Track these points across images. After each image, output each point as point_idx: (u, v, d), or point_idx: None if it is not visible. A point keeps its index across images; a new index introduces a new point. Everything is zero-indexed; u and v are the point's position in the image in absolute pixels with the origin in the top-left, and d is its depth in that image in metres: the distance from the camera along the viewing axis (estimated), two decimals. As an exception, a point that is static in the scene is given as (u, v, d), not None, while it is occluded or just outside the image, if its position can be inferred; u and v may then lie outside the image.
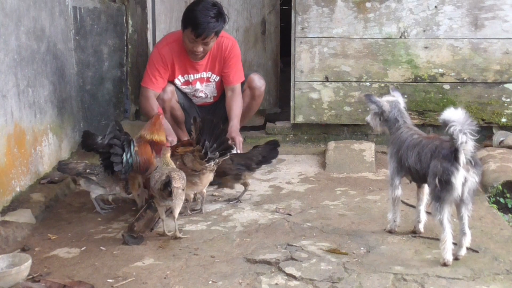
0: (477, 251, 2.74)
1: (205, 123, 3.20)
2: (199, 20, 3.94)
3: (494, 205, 3.59)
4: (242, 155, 3.70)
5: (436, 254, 2.75)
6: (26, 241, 3.06)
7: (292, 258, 2.74)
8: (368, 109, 3.08)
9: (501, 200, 3.73)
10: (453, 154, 2.55)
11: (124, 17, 4.89)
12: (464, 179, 2.56)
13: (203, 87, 4.40)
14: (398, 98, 2.98)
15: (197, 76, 4.33)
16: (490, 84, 4.81)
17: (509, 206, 3.77)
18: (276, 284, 2.51)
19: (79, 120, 4.77)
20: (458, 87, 4.84)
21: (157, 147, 3.47)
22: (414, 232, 3.00)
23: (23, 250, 2.93)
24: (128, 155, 3.29)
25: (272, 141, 3.69)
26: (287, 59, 5.18)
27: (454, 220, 2.70)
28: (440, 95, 4.85)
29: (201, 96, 4.47)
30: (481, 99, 4.81)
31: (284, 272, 2.61)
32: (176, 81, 4.32)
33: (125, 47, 4.92)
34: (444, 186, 2.57)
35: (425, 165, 2.69)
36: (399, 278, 2.53)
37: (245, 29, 5.63)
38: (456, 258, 2.64)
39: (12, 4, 3.53)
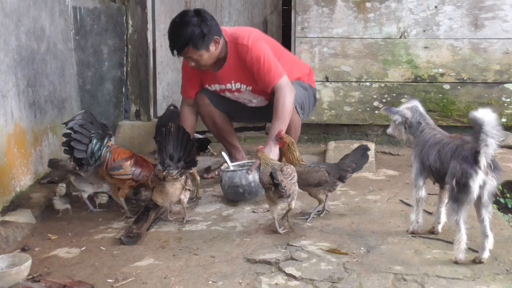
0: (477, 251, 2.73)
1: (175, 131, 3.05)
2: (169, 38, 3.67)
3: (494, 205, 3.59)
4: (335, 166, 3.32)
5: (436, 254, 2.75)
6: (26, 241, 3.05)
7: (292, 258, 2.73)
8: (389, 119, 3.06)
9: (501, 200, 3.73)
10: (473, 156, 2.53)
11: (124, 17, 4.89)
12: (483, 182, 2.55)
13: (239, 96, 4.00)
14: (415, 103, 2.99)
15: (223, 87, 3.94)
16: (490, 84, 4.81)
17: (509, 206, 3.77)
18: (276, 284, 2.51)
19: (79, 120, 4.76)
20: (458, 87, 4.84)
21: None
22: (432, 232, 3.00)
23: (23, 250, 2.93)
24: (96, 147, 3.26)
25: (361, 146, 3.36)
26: (287, 59, 5.17)
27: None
28: (440, 95, 4.85)
29: (244, 102, 4.08)
30: (481, 99, 4.81)
31: (284, 272, 2.60)
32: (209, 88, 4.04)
33: (125, 47, 4.92)
34: (461, 189, 2.56)
35: (445, 164, 2.68)
36: (399, 278, 2.52)
37: (245, 29, 5.62)
38: (480, 262, 2.63)
39: (12, 4, 3.53)
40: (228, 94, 4.01)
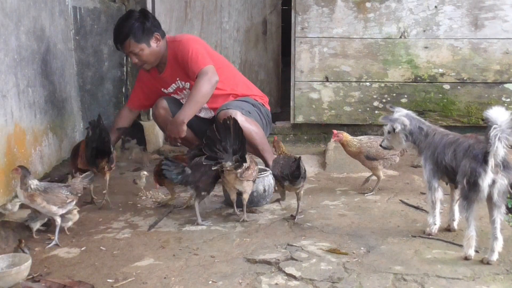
0: (477, 251, 2.73)
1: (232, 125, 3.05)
2: (113, 33, 3.81)
3: (494, 205, 3.58)
4: None
5: (436, 254, 2.75)
6: (26, 241, 3.05)
7: (292, 258, 2.73)
8: (387, 131, 3.06)
9: (501, 200, 3.72)
10: (483, 156, 2.54)
11: (124, 17, 4.88)
12: (492, 181, 2.55)
13: (184, 95, 4.02)
14: (405, 110, 3.02)
15: (170, 89, 4.01)
16: (490, 84, 4.81)
17: (509, 206, 3.76)
18: (276, 284, 2.51)
19: (79, 120, 4.77)
20: (458, 87, 4.84)
21: None
22: (449, 230, 3.01)
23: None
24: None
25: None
26: (287, 59, 5.18)
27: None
28: (440, 95, 4.85)
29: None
30: (481, 99, 4.82)
31: (284, 272, 2.60)
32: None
33: (125, 47, 4.91)
34: (471, 187, 2.58)
35: (459, 163, 2.69)
36: (399, 278, 2.52)
37: (246, 29, 5.64)
38: (488, 263, 2.63)
39: (12, 4, 3.53)
40: (181, 96, 4.02)
